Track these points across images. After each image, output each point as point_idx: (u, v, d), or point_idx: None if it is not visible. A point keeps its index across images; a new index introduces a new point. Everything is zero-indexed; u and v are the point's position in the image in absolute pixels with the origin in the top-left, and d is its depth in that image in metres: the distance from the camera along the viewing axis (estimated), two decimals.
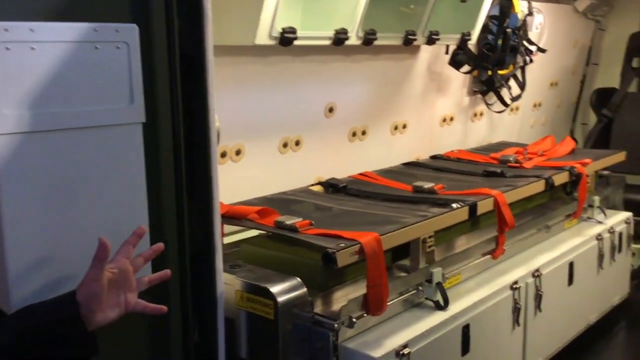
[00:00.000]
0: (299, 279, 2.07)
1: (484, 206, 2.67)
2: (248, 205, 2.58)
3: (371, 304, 2.13)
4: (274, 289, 2.01)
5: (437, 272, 2.40)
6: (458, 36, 3.34)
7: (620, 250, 3.58)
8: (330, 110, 3.16)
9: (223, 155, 2.70)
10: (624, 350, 3.60)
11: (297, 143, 3.04)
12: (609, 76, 5.19)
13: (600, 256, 3.37)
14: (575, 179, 3.29)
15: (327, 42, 2.69)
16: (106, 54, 1.49)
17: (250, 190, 2.79)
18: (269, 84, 2.84)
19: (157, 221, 1.68)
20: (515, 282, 2.70)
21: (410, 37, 3.01)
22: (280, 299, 1.99)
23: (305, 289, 2.06)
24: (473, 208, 2.60)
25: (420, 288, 2.39)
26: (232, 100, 2.68)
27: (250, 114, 2.80)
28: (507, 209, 2.74)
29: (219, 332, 1.89)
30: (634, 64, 4.98)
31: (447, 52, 3.64)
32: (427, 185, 2.87)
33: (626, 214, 3.70)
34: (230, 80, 2.65)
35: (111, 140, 1.53)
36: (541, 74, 4.71)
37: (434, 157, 3.72)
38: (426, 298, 2.43)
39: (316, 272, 2.17)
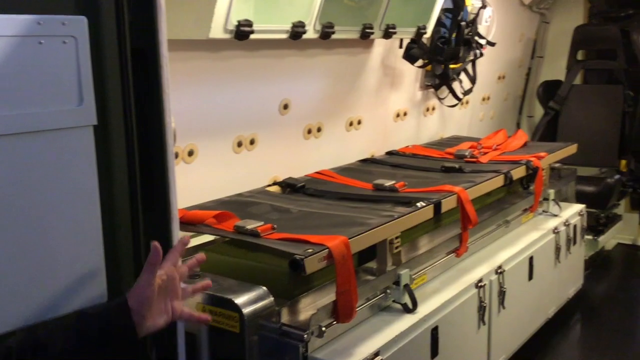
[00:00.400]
0: (264, 288, 1.94)
1: (448, 204, 2.61)
2: (203, 209, 2.44)
3: (341, 312, 2.02)
4: (239, 299, 1.88)
5: (404, 274, 2.32)
6: (414, 29, 3.27)
7: (575, 242, 3.60)
8: (285, 107, 3.04)
9: (175, 156, 2.53)
10: (582, 344, 3.63)
11: (252, 142, 2.90)
12: (554, 69, 5.26)
13: (557, 249, 3.38)
14: (532, 172, 3.28)
15: (284, 36, 2.57)
16: (51, 49, 1.33)
17: (205, 193, 2.64)
18: (222, 81, 2.70)
19: (110, 231, 1.53)
20: (480, 280, 2.65)
21: (368, 30, 2.92)
22: (245, 311, 1.87)
23: (271, 299, 1.94)
24: (438, 206, 2.53)
25: (388, 291, 2.31)
26: (184, 98, 2.52)
27: (203, 112, 2.65)
28: (470, 206, 2.69)
29: (179, 349, 1.75)
30: (579, 56, 5.06)
31: (401, 46, 3.57)
32: (388, 183, 2.80)
33: (579, 206, 3.74)
34: (182, 77, 2.48)
35: (59, 146, 1.38)
36: (489, 68, 4.71)
37: (389, 153, 3.65)
38: (394, 301, 2.34)
39: (282, 279, 2.05)
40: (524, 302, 3.07)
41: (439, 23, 3.56)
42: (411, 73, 3.90)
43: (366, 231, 2.16)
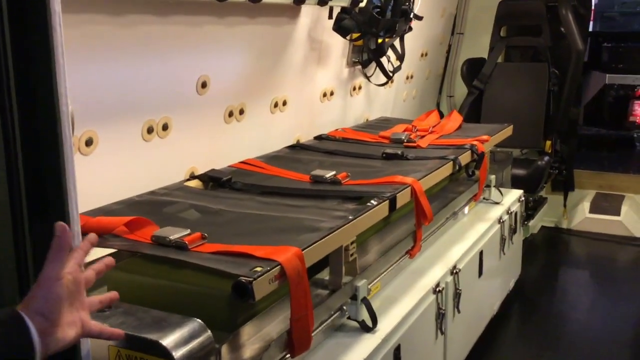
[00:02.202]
0: (199, 321, 1.48)
1: (402, 198, 2.24)
2: (107, 213, 1.94)
3: (296, 342, 1.62)
4: (167, 339, 1.41)
5: (362, 286, 1.95)
6: None
7: (516, 231, 3.39)
8: (204, 85, 2.55)
9: None
10: (524, 335, 3.43)
11: (165, 127, 2.39)
12: (475, 46, 5.05)
13: (502, 240, 3.15)
14: (478, 158, 2.99)
15: None
16: None
17: (108, 192, 2.13)
18: (126, 52, 2.17)
19: None
20: (437, 284, 2.33)
21: None
22: (177, 354, 1.40)
23: (209, 333, 1.48)
24: (393, 202, 2.16)
25: (344, 307, 1.92)
26: (76, 73, 1.97)
27: (103, 92, 2.12)
28: (425, 199, 2.35)
29: None
30: (502, 33, 4.86)
31: (330, 17, 3.15)
32: (328, 174, 2.40)
33: (518, 192, 3.53)
34: (74, 46, 1.94)
35: None
36: (412, 44, 4.40)
37: (318, 138, 3.25)
38: (349, 317, 1.96)
39: (220, 306, 1.60)
40: (474, 301, 2.80)
41: None
42: (338, 48, 3.50)
43: (321, 238, 1.75)
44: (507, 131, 3.53)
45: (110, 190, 2.14)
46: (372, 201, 2.08)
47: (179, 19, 2.34)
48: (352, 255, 1.96)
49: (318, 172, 2.44)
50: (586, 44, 4.54)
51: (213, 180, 2.39)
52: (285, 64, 3.08)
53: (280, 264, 1.56)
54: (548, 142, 4.57)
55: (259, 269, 1.52)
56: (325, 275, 1.98)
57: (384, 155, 2.81)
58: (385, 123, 3.69)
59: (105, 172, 2.18)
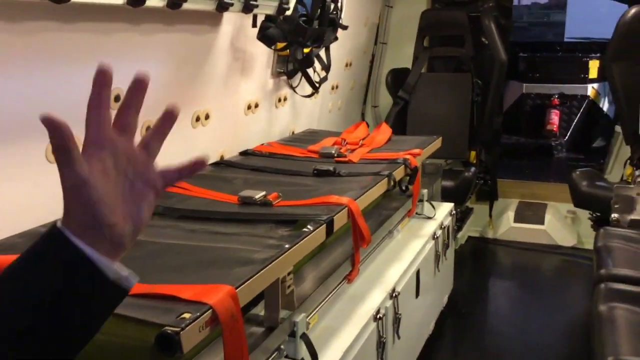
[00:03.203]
0: None
1: (340, 220, 2.08)
2: (7, 248, 1.67)
3: None
4: None
5: (301, 321, 1.77)
6: (275, 4, 2.70)
7: (449, 246, 3.30)
8: (116, 99, 2.29)
9: None
10: (459, 353, 3.35)
11: None
12: (399, 56, 5.00)
13: (437, 257, 3.05)
14: (411, 172, 2.88)
15: (119, 2, 1.86)
16: None
17: (6, 223, 1.85)
18: (23, 64, 1.90)
19: None
20: (378, 311, 2.18)
21: (226, 1, 2.29)
22: None
23: None
24: (330, 225, 1.99)
25: (281, 347, 1.73)
26: None
27: None
28: (362, 220, 2.20)
29: None
30: (425, 43, 4.83)
31: (254, 25, 2.96)
32: (258, 194, 2.20)
33: (449, 205, 3.45)
34: None
35: None
36: (337, 54, 4.27)
37: (244, 154, 3.05)
38: (286, 356, 1.78)
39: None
40: (412, 323, 2.68)
41: None
42: (263, 58, 3.32)
43: (256, 272, 1.56)
44: (437, 143, 3.45)
45: (11, 220, 1.87)
46: (309, 226, 1.90)
47: (87, 26, 2.09)
48: (289, 287, 1.78)
49: (247, 192, 2.24)
50: (508, 54, 4.56)
51: None
52: (207, 74, 2.87)
53: (212, 307, 1.36)
54: (473, 153, 4.56)
55: (187, 315, 1.31)
56: (260, 309, 1.79)
57: (316, 171, 2.65)
58: (312, 136, 3.53)
59: (4, 200, 1.90)
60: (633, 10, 3.94)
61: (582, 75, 6.51)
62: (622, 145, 4.68)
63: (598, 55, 6.43)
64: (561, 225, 4.90)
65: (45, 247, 0.77)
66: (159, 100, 2.38)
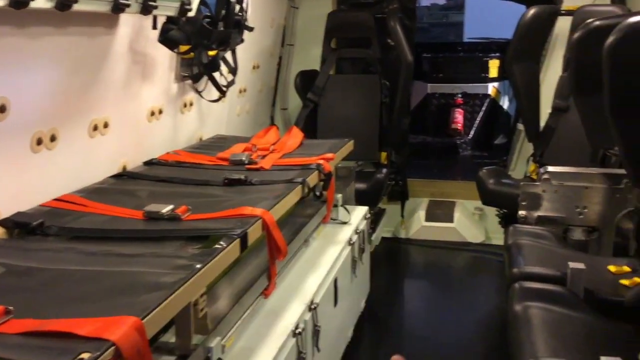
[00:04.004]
0: None
1: (253, 233, 1.97)
2: None
3: None
4: None
5: (216, 347, 1.65)
6: (176, 5, 2.54)
7: (364, 250, 3.26)
8: (2, 109, 2.08)
9: None
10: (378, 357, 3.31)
11: None
12: (307, 58, 4.94)
13: (354, 262, 2.99)
14: (325, 178, 2.81)
15: (1, 3, 1.66)
16: None
17: None
18: None
19: None
20: (297, 326, 2.09)
21: (123, 2, 2.12)
22: None
23: None
24: (244, 240, 1.88)
25: None
26: None
27: None
28: (278, 232, 2.10)
29: None
30: (333, 44, 4.79)
31: (154, 27, 2.79)
32: (165, 208, 2.06)
33: (363, 209, 3.41)
34: None
35: None
36: (243, 56, 4.15)
37: (149, 164, 2.87)
38: None
39: None
40: (332, 333, 2.60)
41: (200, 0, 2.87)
42: (165, 61, 3.14)
43: (165, 298, 1.42)
44: (349, 146, 3.41)
45: None
46: (221, 242, 1.78)
47: None
48: (202, 310, 1.65)
49: (152, 206, 2.08)
50: (414, 55, 4.60)
51: (19, 227, 1.94)
52: (104, 80, 2.67)
53: (115, 344, 1.22)
54: (384, 154, 4.56)
55: (85, 356, 1.16)
56: (170, 336, 1.65)
57: (226, 181, 2.52)
58: (221, 142, 3.39)
59: None
60: (532, 11, 4.06)
61: (483, 75, 6.71)
62: (524, 142, 4.83)
63: (497, 55, 6.64)
64: (470, 222, 5.00)
65: None
66: (51, 108, 2.20)
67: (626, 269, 2.84)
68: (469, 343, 3.41)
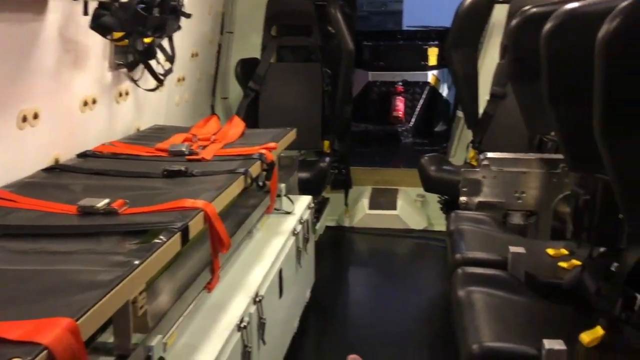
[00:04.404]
0: None
1: (195, 226, 1.91)
2: None
3: None
4: None
5: (157, 345, 1.59)
6: None
7: (309, 240, 3.23)
8: None
9: None
10: (331, 352, 3.29)
11: None
12: (247, 46, 4.85)
13: (298, 253, 2.97)
14: (268, 168, 2.76)
15: None
16: None
17: None
18: None
19: None
20: (241, 320, 2.04)
21: None
22: None
23: None
24: (185, 233, 1.81)
25: None
26: None
27: None
28: (220, 224, 2.05)
29: None
30: (273, 32, 4.72)
31: (85, 13, 2.66)
32: (100, 203, 1.96)
33: (307, 198, 3.38)
34: None
35: None
36: (181, 44, 4.03)
37: (83, 156, 2.75)
38: None
39: None
40: (277, 325, 2.57)
41: None
42: (98, 49, 3.01)
43: (101, 297, 1.35)
44: (292, 135, 3.36)
45: None
46: (161, 236, 1.72)
47: None
48: (141, 308, 1.59)
49: (87, 201, 1.99)
50: (355, 44, 4.59)
51: None
52: (33, 69, 2.53)
53: (47, 348, 1.15)
54: (327, 142, 4.54)
55: None
56: (108, 336, 1.58)
57: (166, 172, 2.43)
58: (160, 132, 3.29)
59: None
60: (469, 0, 4.10)
61: (423, 63, 6.76)
62: (463, 129, 4.90)
63: (436, 43, 6.71)
64: (412, 209, 5.05)
65: None
66: None
67: (564, 251, 2.92)
68: (414, 329, 3.44)
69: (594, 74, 1.65)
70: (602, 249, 2.64)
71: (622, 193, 1.68)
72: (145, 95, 3.59)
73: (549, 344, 1.82)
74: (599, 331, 2.11)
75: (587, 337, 2.10)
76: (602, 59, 1.63)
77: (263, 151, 2.81)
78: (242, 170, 2.49)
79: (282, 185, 3.11)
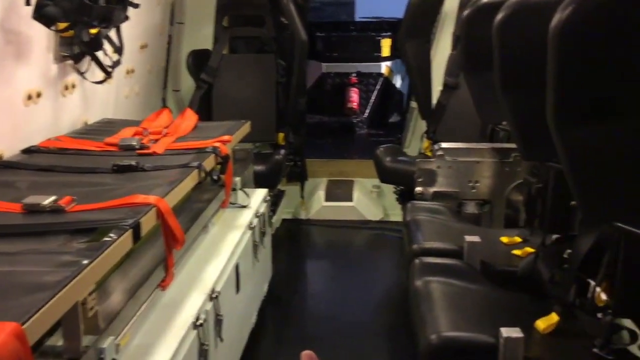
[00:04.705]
0: None
1: (147, 223, 1.85)
2: None
3: None
4: None
5: (108, 347, 1.53)
6: None
7: (265, 233, 3.19)
8: None
9: None
10: (289, 345, 3.25)
11: None
12: (199, 37, 4.76)
13: (255, 247, 2.92)
14: (223, 161, 2.70)
15: None
16: None
17: None
18: None
19: None
20: (197, 318, 1.99)
21: None
22: None
23: None
24: (137, 230, 1.75)
25: None
26: None
27: None
28: (174, 220, 1.99)
29: None
30: (225, 23, 4.64)
31: (27, 3, 2.55)
32: (46, 200, 1.88)
33: (263, 191, 3.34)
34: None
35: None
36: (130, 34, 3.93)
37: (27, 152, 2.64)
38: None
39: None
40: (234, 321, 2.53)
41: None
42: (42, 40, 2.90)
43: (49, 299, 1.29)
44: (246, 128, 3.31)
45: None
46: (111, 234, 1.65)
47: None
48: (92, 309, 1.52)
49: (32, 198, 1.90)
50: (308, 35, 4.55)
51: None
52: None
53: None
54: (281, 134, 4.50)
55: None
56: (57, 339, 1.51)
57: (115, 167, 2.36)
58: (109, 126, 3.19)
59: None
60: None
61: (376, 54, 6.77)
62: (417, 119, 4.93)
63: (389, 34, 6.72)
64: (368, 200, 5.06)
65: None
66: None
67: (517, 239, 2.96)
68: (372, 320, 3.44)
69: (547, 63, 1.66)
70: (554, 236, 2.69)
71: (575, 180, 1.70)
72: (93, 88, 3.48)
73: (506, 332, 1.84)
74: (553, 318, 2.14)
75: (543, 323, 2.13)
76: (554, 48, 1.63)
77: (217, 144, 2.75)
78: (195, 164, 2.43)
79: (237, 179, 3.06)
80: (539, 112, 2.26)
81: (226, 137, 2.87)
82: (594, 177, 1.68)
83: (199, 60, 4.47)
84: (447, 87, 4.35)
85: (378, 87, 6.84)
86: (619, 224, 1.68)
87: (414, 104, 4.97)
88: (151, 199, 1.94)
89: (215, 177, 2.72)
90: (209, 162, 2.57)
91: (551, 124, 1.71)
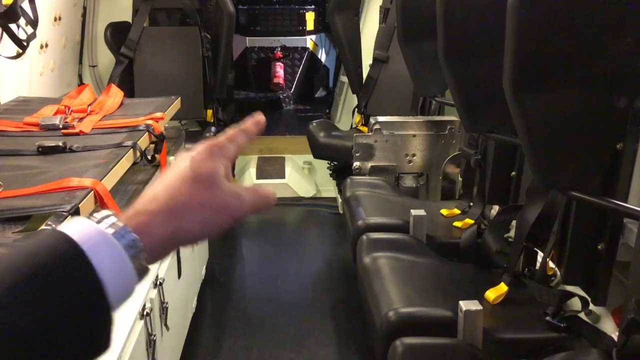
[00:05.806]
0: None
1: (85, 208, 1.70)
2: None
3: None
4: None
5: None
6: None
7: None
8: None
9: None
10: (230, 330, 3.14)
11: None
12: (116, 8, 4.48)
13: None
14: (157, 140, 2.55)
15: None
16: None
17: None
18: None
19: None
20: (144, 306, 1.87)
21: None
22: None
23: None
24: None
25: None
26: None
27: None
28: (113, 203, 1.84)
29: None
30: None
31: None
32: None
33: None
34: None
35: None
36: (43, 7, 3.64)
37: None
38: None
39: None
40: (177, 308, 2.40)
41: None
42: None
43: None
44: (177, 104, 3.14)
45: None
46: (49, 222, 1.50)
47: None
48: None
49: None
50: (235, 7, 4.38)
51: None
52: None
53: None
54: (210, 111, 4.33)
55: None
56: None
57: (41, 149, 2.16)
58: (26, 105, 2.94)
59: None
60: None
61: (301, 28, 6.65)
62: (348, 94, 4.88)
63: (313, 7, 6.61)
64: (300, 176, 4.98)
65: None
66: None
67: (456, 211, 2.98)
68: (314, 298, 3.39)
69: (505, 33, 1.62)
70: (498, 207, 2.72)
71: (531, 149, 1.68)
72: (5, 64, 3.20)
73: (465, 305, 1.82)
74: (502, 288, 2.15)
75: (492, 294, 2.14)
76: (513, 18, 1.60)
77: (150, 122, 2.59)
78: (129, 143, 2.27)
79: (172, 158, 2.90)
80: (484, 81, 2.25)
81: (158, 115, 2.70)
82: (548, 144, 1.67)
83: (118, 34, 4.21)
84: (377, 61, 4.32)
85: (304, 61, 6.74)
86: (572, 192, 1.68)
87: (343, 79, 4.91)
88: (87, 182, 1.79)
89: (149, 157, 2.56)
90: (143, 141, 2.41)
91: (508, 93, 1.68)
